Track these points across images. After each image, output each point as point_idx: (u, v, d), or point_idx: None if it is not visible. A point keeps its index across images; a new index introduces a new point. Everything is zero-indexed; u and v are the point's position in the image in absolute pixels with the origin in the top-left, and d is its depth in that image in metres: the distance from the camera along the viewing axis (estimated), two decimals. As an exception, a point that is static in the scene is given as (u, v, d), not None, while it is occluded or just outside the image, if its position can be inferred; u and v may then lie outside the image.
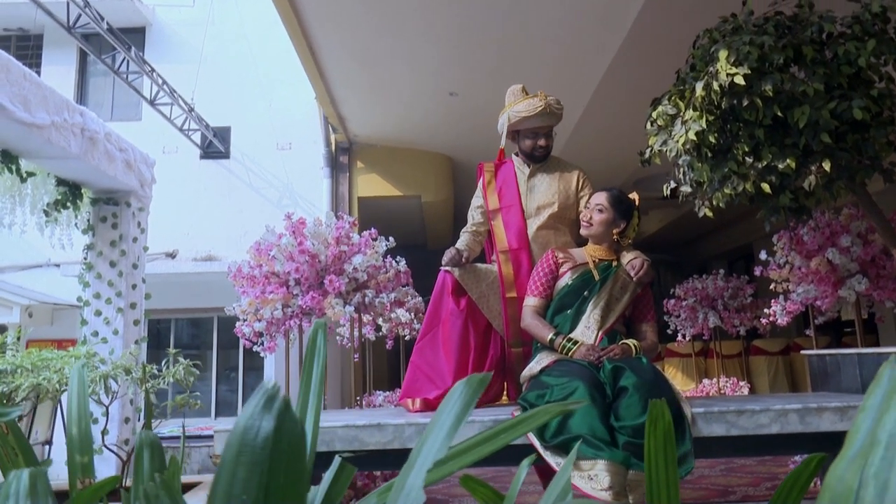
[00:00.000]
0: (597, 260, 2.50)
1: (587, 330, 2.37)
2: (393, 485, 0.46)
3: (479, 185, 2.84)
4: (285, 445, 0.38)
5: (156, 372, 2.75)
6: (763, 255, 3.96)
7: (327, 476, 0.56)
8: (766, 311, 4.37)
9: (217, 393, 8.30)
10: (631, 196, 2.60)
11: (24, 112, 3.85)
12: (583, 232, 2.56)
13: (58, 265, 7.44)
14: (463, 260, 2.62)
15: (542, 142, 2.72)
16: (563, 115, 2.80)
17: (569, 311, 2.42)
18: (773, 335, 8.35)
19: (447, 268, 2.62)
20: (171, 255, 7.80)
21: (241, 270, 3.35)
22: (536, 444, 2.03)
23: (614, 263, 2.49)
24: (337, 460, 0.57)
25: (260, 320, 3.29)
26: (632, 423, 1.93)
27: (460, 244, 2.75)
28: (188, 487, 2.39)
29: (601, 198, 2.54)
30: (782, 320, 4.13)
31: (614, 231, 2.53)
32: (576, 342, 2.31)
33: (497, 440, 0.53)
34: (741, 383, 6.54)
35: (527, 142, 2.74)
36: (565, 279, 2.48)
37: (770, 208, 2.89)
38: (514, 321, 2.58)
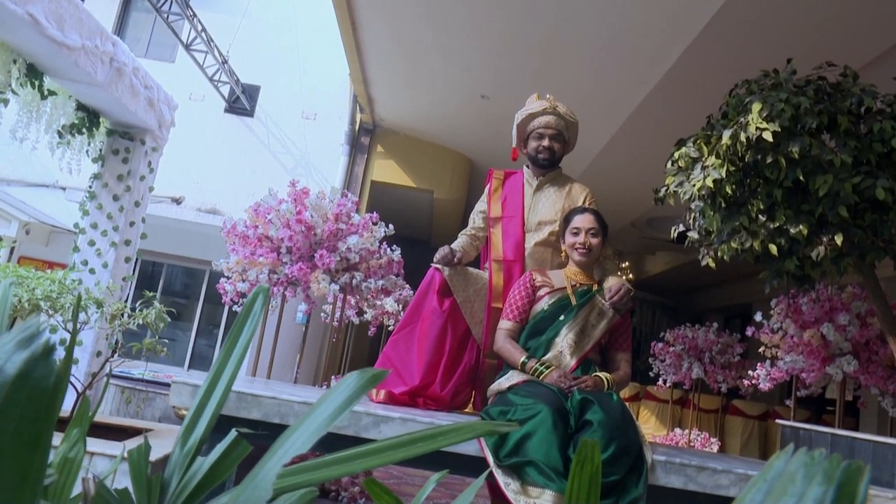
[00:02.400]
0: (576, 284, 2.42)
1: (560, 355, 2.32)
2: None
3: (486, 190, 2.81)
4: (24, 399, 0.31)
5: (129, 311, 2.72)
6: (758, 317, 3.91)
7: (217, 448, 0.52)
8: (750, 372, 4.32)
9: (195, 345, 8.27)
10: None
11: (57, 30, 3.82)
12: (579, 259, 2.41)
13: (63, 188, 7.45)
14: (455, 260, 2.58)
15: (545, 142, 2.66)
16: (577, 127, 2.76)
17: (542, 337, 2.36)
18: (754, 398, 8.28)
19: (437, 265, 2.58)
20: (177, 201, 7.80)
21: (235, 228, 3.32)
22: (490, 459, 1.98)
23: (594, 288, 2.43)
24: (231, 434, 0.53)
25: (244, 281, 3.25)
26: None
27: (455, 245, 2.71)
28: (136, 432, 2.36)
29: (591, 220, 2.44)
30: (764, 385, 4.08)
31: (602, 252, 2.49)
32: (548, 366, 2.26)
33: (413, 447, 0.50)
34: (712, 440, 6.47)
35: (532, 143, 2.71)
36: (542, 304, 2.41)
37: (774, 271, 2.84)
38: (494, 331, 2.54)
